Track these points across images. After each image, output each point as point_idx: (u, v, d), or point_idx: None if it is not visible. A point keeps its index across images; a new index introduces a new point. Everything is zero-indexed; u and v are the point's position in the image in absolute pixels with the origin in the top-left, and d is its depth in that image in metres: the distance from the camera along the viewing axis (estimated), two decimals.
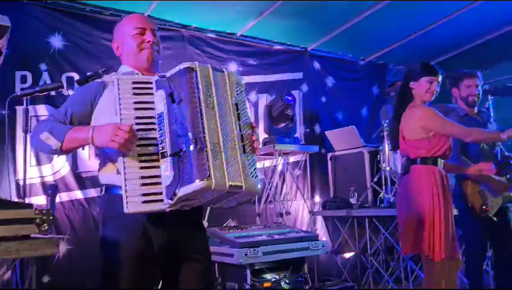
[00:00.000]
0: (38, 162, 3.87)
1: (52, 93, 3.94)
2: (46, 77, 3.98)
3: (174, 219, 1.76)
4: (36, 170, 3.86)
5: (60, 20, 4.09)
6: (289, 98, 4.51)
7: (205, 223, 3.92)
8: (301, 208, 5.19)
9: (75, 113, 1.80)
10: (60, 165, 3.95)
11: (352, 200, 4.63)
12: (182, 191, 1.53)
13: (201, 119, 1.60)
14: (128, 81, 1.70)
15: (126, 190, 1.56)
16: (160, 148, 1.64)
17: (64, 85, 3.40)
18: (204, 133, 1.58)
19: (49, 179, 3.87)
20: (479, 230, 3.28)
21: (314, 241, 3.65)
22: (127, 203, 1.55)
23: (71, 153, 3.89)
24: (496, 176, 3.24)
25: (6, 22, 2.17)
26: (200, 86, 1.64)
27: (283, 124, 4.71)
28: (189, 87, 1.62)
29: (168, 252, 1.78)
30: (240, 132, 1.69)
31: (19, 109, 3.82)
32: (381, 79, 6.44)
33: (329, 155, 5.25)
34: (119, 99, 1.65)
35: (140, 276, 1.74)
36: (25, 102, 2.37)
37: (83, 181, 4.02)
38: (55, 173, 3.93)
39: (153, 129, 1.67)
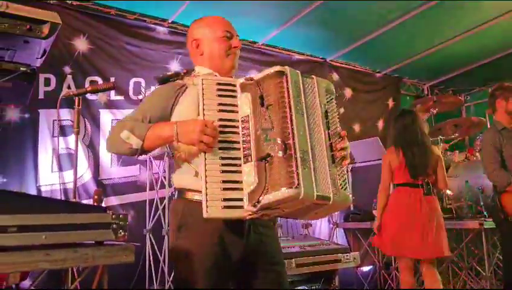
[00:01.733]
0: (60, 168, 3.75)
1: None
2: (69, 80, 3.88)
3: (251, 226, 1.68)
4: (57, 176, 3.73)
5: (85, 22, 4.01)
6: None
7: None
8: (320, 219, 5.10)
9: (154, 115, 1.70)
10: (82, 171, 3.84)
11: (375, 213, 4.54)
12: (267, 199, 1.42)
13: (291, 125, 1.49)
14: (212, 82, 1.61)
15: (206, 194, 1.45)
16: (244, 152, 1.54)
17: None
18: (293, 139, 1.48)
19: (71, 185, 3.73)
20: None
21: (346, 254, 3.56)
22: (207, 207, 1.44)
23: (93, 160, 3.81)
24: None
25: (57, 19, 2.06)
26: (290, 91, 1.53)
27: None
28: (279, 91, 1.53)
29: (244, 262, 1.68)
30: (329, 140, 1.59)
31: (42, 113, 3.72)
32: (396, 92, 6.43)
33: (349, 167, 5.18)
34: (203, 100, 1.56)
35: (216, 286, 1.63)
36: (76, 102, 2.25)
37: (104, 188, 3.90)
38: (78, 178, 3.78)
39: (236, 133, 1.57)
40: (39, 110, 3.69)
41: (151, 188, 3.93)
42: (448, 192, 4.12)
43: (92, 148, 3.89)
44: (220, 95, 1.59)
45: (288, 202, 1.43)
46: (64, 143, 3.77)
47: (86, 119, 3.86)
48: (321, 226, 5.12)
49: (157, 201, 3.78)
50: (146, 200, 3.91)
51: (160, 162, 3.94)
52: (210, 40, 1.83)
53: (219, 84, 1.61)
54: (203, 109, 1.55)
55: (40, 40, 2.16)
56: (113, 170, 3.98)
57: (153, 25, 4.41)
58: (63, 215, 1.31)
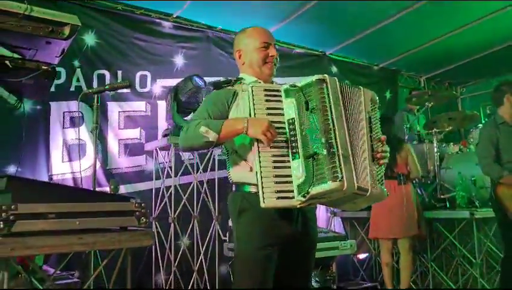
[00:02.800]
0: (70, 158, 3.91)
1: (85, 89, 4.00)
2: (78, 74, 4.03)
3: (299, 212, 1.95)
4: (68, 166, 3.90)
5: (93, 17, 4.14)
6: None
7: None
8: (319, 208, 5.28)
9: (215, 114, 1.96)
10: (91, 161, 3.98)
11: None
12: (315, 190, 1.67)
13: (333, 126, 1.74)
14: (260, 88, 1.85)
15: (263, 187, 1.70)
16: (292, 151, 1.77)
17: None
18: (336, 139, 1.73)
19: (81, 174, 3.90)
20: None
21: (343, 241, 3.75)
22: (263, 198, 1.69)
23: (101, 150, 3.98)
24: None
25: (77, 21, 2.22)
26: (330, 97, 1.78)
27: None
28: (320, 97, 1.77)
29: (289, 242, 1.94)
30: (371, 142, 1.87)
31: (53, 105, 3.87)
32: (394, 84, 6.58)
33: None
34: (254, 104, 1.80)
35: (270, 265, 1.89)
36: (96, 99, 2.41)
37: (112, 177, 4.06)
38: (86, 169, 3.96)
39: (283, 133, 1.80)
40: (50, 103, 3.84)
41: (157, 178, 4.10)
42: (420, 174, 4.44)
43: (101, 139, 4.05)
44: (267, 100, 1.84)
45: (333, 193, 1.69)
46: (74, 134, 3.93)
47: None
48: (319, 215, 5.30)
49: (163, 190, 3.95)
50: (152, 189, 4.08)
51: (166, 152, 4.10)
52: (250, 51, 2.09)
53: (266, 90, 1.85)
54: (254, 113, 1.80)
55: (61, 41, 2.33)
56: (121, 160, 4.14)
57: (158, 20, 4.54)
58: (94, 203, 1.48)
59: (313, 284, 3.53)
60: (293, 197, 1.72)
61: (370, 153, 1.84)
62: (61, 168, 3.84)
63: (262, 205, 1.69)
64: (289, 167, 1.76)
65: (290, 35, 5.30)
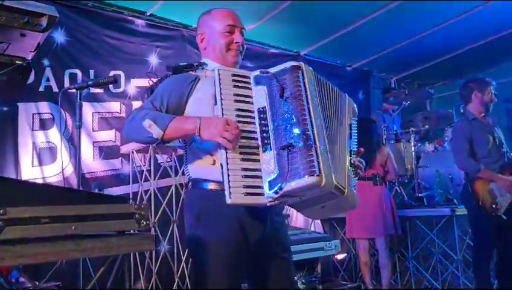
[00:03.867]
0: (41, 162, 3.68)
1: (55, 89, 3.79)
2: (48, 73, 3.80)
3: (268, 215, 1.73)
4: (39, 171, 3.67)
5: (62, 13, 3.90)
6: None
7: None
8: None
9: (171, 102, 1.74)
10: (64, 165, 3.78)
11: None
12: (289, 186, 1.49)
13: (309, 116, 1.58)
14: (228, 73, 1.67)
15: (229, 181, 1.51)
16: (263, 142, 1.61)
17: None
18: (313, 130, 1.57)
19: (53, 179, 3.69)
20: (489, 228, 3.44)
21: (327, 242, 3.70)
22: (230, 193, 1.49)
23: (74, 153, 3.77)
24: (504, 176, 3.42)
25: (54, 12, 2.06)
26: (306, 85, 1.63)
27: None
28: (296, 84, 1.62)
29: (261, 249, 1.73)
30: (350, 147, 1.74)
31: (22, 106, 3.64)
32: (366, 85, 6.63)
33: None
34: (220, 89, 1.61)
35: (236, 275, 1.69)
36: (78, 96, 2.24)
37: (87, 182, 3.86)
38: (58, 173, 3.74)
39: (252, 123, 1.64)
40: (18, 104, 3.61)
41: (135, 181, 3.92)
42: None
43: (73, 141, 3.83)
44: (235, 86, 1.66)
45: (309, 189, 1.52)
46: (44, 137, 3.70)
47: (67, 113, 3.80)
48: (297, 216, 5.23)
49: (141, 194, 3.79)
50: (129, 194, 3.90)
51: (143, 155, 3.94)
52: (212, 35, 1.87)
53: (234, 75, 1.68)
54: (221, 99, 1.60)
55: (38, 34, 2.15)
56: (95, 164, 3.94)
57: (131, 18, 4.37)
58: (90, 206, 1.35)
59: (298, 285, 3.45)
60: (263, 194, 1.53)
61: (348, 156, 1.71)
62: (31, 173, 3.61)
63: (228, 201, 1.48)
64: (259, 161, 1.58)
65: (266, 35, 5.25)
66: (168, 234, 3.81)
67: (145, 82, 4.15)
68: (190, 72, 1.81)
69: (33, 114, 3.67)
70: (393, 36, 5.70)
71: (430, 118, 4.89)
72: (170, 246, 3.85)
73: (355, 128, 1.84)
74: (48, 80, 3.77)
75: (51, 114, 3.74)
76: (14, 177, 3.50)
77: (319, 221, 5.21)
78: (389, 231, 3.97)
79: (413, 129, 4.78)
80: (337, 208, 1.77)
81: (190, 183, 1.82)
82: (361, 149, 1.81)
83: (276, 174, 1.54)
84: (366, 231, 4.04)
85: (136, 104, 4.21)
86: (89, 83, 2.25)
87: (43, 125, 3.70)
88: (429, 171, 4.67)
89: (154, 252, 3.56)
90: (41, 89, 3.73)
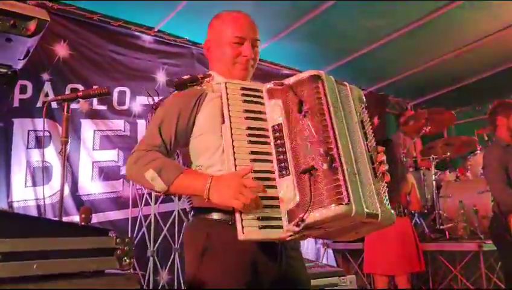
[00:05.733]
0: (34, 183, 3.43)
1: (54, 105, 3.57)
2: (48, 88, 3.60)
3: (282, 249, 1.47)
4: (31, 192, 3.41)
5: (66, 27, 3.75)
6: None
7: None
8: (306, 240, 4.91)
9: (179, 127, 1.50)
10: (58, 186, 3.49)
11: None
12: (313, 217, 1.25)
13: (334, 134, 1.34)
14: (236, 86, 1.44)
15: (241, 212, 1.28)
16: (279, 165, 1.36)
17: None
18: (338, 150, 1.33)
19: (46, 201, 3.43)
20: None
21: (342, 277, 3.36)
22: (242, 227, 1.26)
23: (71, 174, 3.53)
24: None
25: (46, 16, 1.84)
26: (328, 97, 1.39)
27: None
28: (316, 97, 1.38)
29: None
30: (369, 152, 1.45)
31: (17, 122, 3.42)
32: (382, 110, 6.37)
33: None
34: (228, 106, 1.39)
35: None
36: (65, 109, 2.00)
37: (82, 205, 3.59)
38: (52, 195, 3.49)
39: (267, 143, 1.40)
40: (13, 120, 3.39)
41: (135, 205, 3.65)
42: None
43: (71, 161, 3.59)
44: (245, 101, 1.43)
45: (336, 220, 1.28)
46: (39, 156, 3.47)
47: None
48: (308, 247, 4.92)
49: (141, 219, 3.51)
50: (128, 219, 3.63)
51: None
52: (219, 44, 1.61)
53: (244, 88, 1.45)
54: (229, 116, 1.38)
55: (25, 39, 1.93)
56: (93, 185, 3.68)
57: (138, 33, 4.18)
58: (59, 239, 1.08)
59: None
60: (281, 227, 1.30)
61: (371, 166, 1.44)
62: (23, 194, 3.35)
63: (240, 236, 1.25)
64: (275, 187, 1.34)
65: (278, 54, 5.06)
66: (169, 264, 3.52)
67: (151, 100, 3.95)
68: (195, 86, 1.55)
69: (29, 131, 3.45)
70: (411, 60, 5.51)
71: (453, 144, 4.58)
72: (170, 276, 3.56)
73: (367, 120, 1.55)
74: (46, 94, 3.56)
75: (48, 131, 3.51)
76: (4, 198, 3.25)
77: (331, 251, 4.90)
78: (413, 268, 3.58)
79: (433, 157, 4.47)
80: (374, 229, 1.50)
81: (191, 212, 1.55)
82: (381, 148, 1.50)
83: (296, 203, 1.29)
84: (387, 267, 3.60)
85: (141, 122, 3.99)
86: (79, 94, 2.00)
87: (39, 143, 3.46)
88: (451, 202, 4.34)
89: (151, 282, 3.26)
90: (38, 104, 3.51)
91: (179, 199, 3.66)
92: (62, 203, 1.97)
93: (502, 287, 3.95)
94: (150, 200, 3.48)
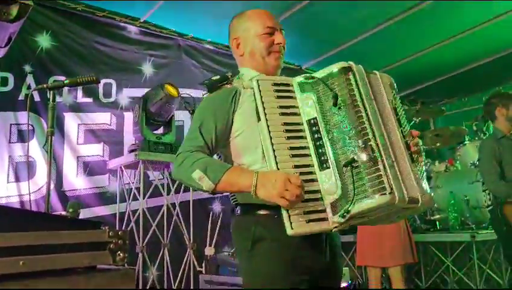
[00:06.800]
0: (17, 178, 3.32)
1: (37, 98, 3.45)
2: (30, 80, 3.47)
3: (327, 238, 1.53)
4: (14, 187, 3.30)
5: (48, 17, 3.61)
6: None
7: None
8: None
9: (219, 127, 1.52)
10: (43, 182, 3.41)
11: None
12: (358, 208, 1.29)
13: (370, 125, 1.38)
14: (268, 82, 1.45)
15: (288, 209, 1.31)
16: (320, 158, 1.39)
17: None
18: (376, 140, 1.36)
19: (31, 197, 3.31)
20: None
21: None
22: (290, 223, 1.29)
23: (55, 169, 3.43)
24: None
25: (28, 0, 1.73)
26: (360, 88, 1.42)
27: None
28: (349, 89, 1.40)
29: (317, 279, 1.50)
30: (404, 138, 1.47)
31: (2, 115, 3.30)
32: None
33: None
34: (262, 103, 1.40)
35: None
36: (51, 97, 1.91)
37: (67, 200, 3.48)
38: (36, 191, 3.37)
39: (303, 137, 1.42)
40: None
41: (122, 200, 3.56)
42: None
43: (55, 156, 3.47)
44: (279, 97, 1.44)
45: (380, 209, 1.32)
46: (22, 150, 3.35)
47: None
48: None
49: (129, 214, 3.42)
50: (116, 214, 3.53)
51: (132, 171, 3.59)
52: (250, 38, 1.66)
53: (275, 84, 1.45)
54: (265, 114, 1.39)
55: (7, 24, 1.83)
56: (79, 181, 3.57)
57: (123, 24, 4.07)
58: (48, 233, 1.00)
59: None
60: (327, 219, 1.33)
61: (407, 152, 1.46)
62: (5, 190, 3.24)
63: (289, 231, 1.28)
64: (317, 181, 1.37)
65: None
66: (158, 259, 3.44)
67: (138, 92, 3.85)
68: (227, 86, 1.58)
69: (11, 124, 3.33)
70: (398, 52, 5.48)
71: (442, 135, 4.57)
72: (160, 272, 3.48)
73: (400, 106, 1.56)
74: (29, 87, 3.43)
75: (31, 125, 3.38)
76: None
77: None
78: (406, 260, 3.53)
79: (423, 147, 4.45)
80: (412, 212, 1.65)
81: (238, 208, 1.58)
82: (416, 132, 1.53)
83: (338, 195, 1.34)
84: (381, 259, 3.55)
85: (128, 115, 3.87)
86: (65, 81, 1.90)
87: (22, 137, 3.34)
88: (441, 193, 4.32)
89: (140, 279, 3.17)
90: (20, 97, 3.39)
91: (168, 194, 3.59)
92: (49, 197, 1.88)
93: (494, 277, 3.97)
94: (138, 195, 3.39)
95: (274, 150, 1.36)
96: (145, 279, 3.38)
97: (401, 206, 1.34)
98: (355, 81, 1.42)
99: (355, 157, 1.32)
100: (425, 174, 1.49)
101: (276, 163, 1.34)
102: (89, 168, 3.62)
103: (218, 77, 1.64)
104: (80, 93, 3.66)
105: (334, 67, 1.44)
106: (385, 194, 1.28)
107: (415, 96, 7.06)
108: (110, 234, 1.10)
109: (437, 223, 4.24)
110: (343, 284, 4.78)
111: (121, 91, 3.91)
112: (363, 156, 1.33)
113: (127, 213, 3.46)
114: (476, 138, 4.63)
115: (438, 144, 4.56)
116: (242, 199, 1.55)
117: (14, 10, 1.74)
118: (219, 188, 1.43)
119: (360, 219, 1.36)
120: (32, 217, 1.08)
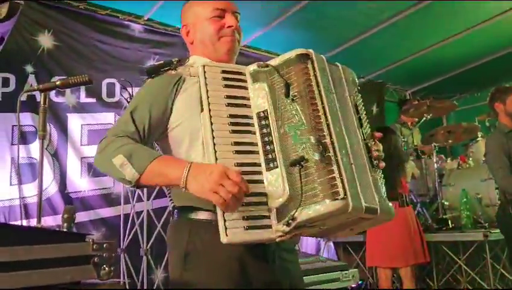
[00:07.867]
0: (20, 181, 3.28)
1: (39, 98, 3.39)
2: (32, 80, 3.44)
3: (275, 251, 1.33)
4: (16, 190, 3.26)
5: (50, 16, 3.57)
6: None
7: None
8: None
9: (153, 114, 1.34)
10: (46, 184, 3.37)
11: None
12: (305, 215, 1.11)
13: (326, 120, 1.20)
14: (216, 69, 1.29)
15: (223, 212, 1.13)
16: (266, 156, 1.21)
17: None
18: (331, 137, 1.18)
19: (33, 200, 3.28)
20: None
21: (344, 271, 3.25)
22: (225, 229, 1.11)
23: (59, 171, 3.39)
24: None
25: None
26: (319, 79, 1.24)
27: None
28: (305, 79, 1.23)
29: None
30: (364, 140, 1.31)
31: (0, 117, 3.27)
32: (380, 98, 6.23)
33: None
34: (207, 91, 1.23)
35: None
36: (42, 100, 1.85)
37: (71, 202, 3.45)
38: (42, 193, 3.32)
39: (252, 132, 1.25)
40: None
41: (126, 202, 3.51)
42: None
43: (58, 157, 3.44)
44: (227, 86, 1.28)
45: (331, 217, 1.13)
46: (25, 152, 3.31)
47: (51, 125, 3.41)
48: (308, 240, 4.79)
49: (133, 216, 3.37)
50: (120, 216, 3.49)
51: None
52: (198, 23, 1.50)
53: (224, 71, 1.29)
54: (208, 103, 1.22)
55: None
56: (83, 182, 3.54)
57: (127, 22, 4.01)
58: (25, 248, 0.93)
59: None
60: (270, 226, 1.16)
61: (367, 155, 1.30)
62: (8, 193, 3.21)
63: (223, 239, 1.11)
64: (262, 182, 1.19)
65: (272, 43, 4.90)
66: (164, 262, 3.38)
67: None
68: (170, 71, 1.40)
69: (13, 126, 3.29)
70: (409, 46, 5.37)
71: (454, 132, 4.44)
72: (165, 274, 3.43)
73: (361, 104, 1.40)
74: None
75: (34, 126, 3.35)
76: None
77: (331, 244, 4.77)
78: (417, 260, 3.44)
79: (435, 144, 4.34)
80: (371, 225, 1.36)
81: (175, 212, 1.39)
82: (379, 134, 1.38)
83: (285, 199, 1.15)
84: (391, 259, 3.46)
85: None
86: (57, 83, 1.84)
87: (24, 139, 3.30)
88: (453, 191, 4.21)
89: (145, 282, 3.13)
90: (22, 98, 3.33)
91: None
92: (41, 204, 1.83)
93: (508, 276, 3.85)
94: (142, 196, 3.34)
95: (215, 144, 1.18)
96: (151, 282, 3.34)
97: (356, 215, 1.17)
98: (313, 70, 1.25)
99: (306, 156, 1.15)
100: (383, 181, 1.31)
101: (216, 159, 1.17)
102: (93, 169, 3.58)
103: (162, 62, 1.47)
104: (83, 93, 3.62)
105: (292, 54, 1.28)
106: (337, 199, 1.10)
107: (427, 91, 6.94)
108: (94, 247, 1.03)
109: (449, 221, 4.12)
110: (354, 284, 4.72)
111: (124, 91, 3.86)
112: (316, 155, 1.15)
113: (131, 215, 3.41)
114: (489, 134, 4.50)
115: (450, 141, 4.43)
116: (177, 200, 1.36)
117: (4, 9, 1.67)
118: (144, 179, 1.23)
119: (310, 229, 1.19)
120: (9, 231, 1.01)
